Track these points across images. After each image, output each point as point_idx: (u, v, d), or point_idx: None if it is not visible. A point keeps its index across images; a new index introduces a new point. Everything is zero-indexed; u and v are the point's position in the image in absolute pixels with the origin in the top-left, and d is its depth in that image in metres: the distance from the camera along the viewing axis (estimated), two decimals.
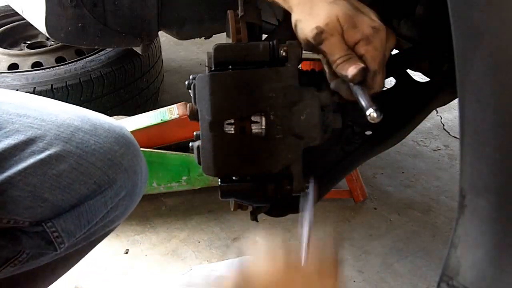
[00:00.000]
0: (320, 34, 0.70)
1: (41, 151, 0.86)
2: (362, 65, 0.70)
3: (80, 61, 2.11)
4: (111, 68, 2.11)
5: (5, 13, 2.51)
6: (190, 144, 0.80)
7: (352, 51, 0.71)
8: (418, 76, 0.90)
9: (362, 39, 0.71)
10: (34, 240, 0.87)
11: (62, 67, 2.07)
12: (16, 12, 1.92)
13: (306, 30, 0.72)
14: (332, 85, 0.75)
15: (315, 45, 0.71)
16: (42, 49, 2.28)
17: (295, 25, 0.74)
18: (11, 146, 0.85)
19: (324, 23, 0.70)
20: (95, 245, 1.06)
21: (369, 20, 0.72)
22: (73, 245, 0.94)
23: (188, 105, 0.77)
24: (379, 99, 0.79)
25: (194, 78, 0.75)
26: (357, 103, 0.69)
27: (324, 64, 0.75)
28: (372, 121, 0.67)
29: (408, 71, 0.91)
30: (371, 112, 0.66)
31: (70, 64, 2.09)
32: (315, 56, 0.74)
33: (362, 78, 0.70)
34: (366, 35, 0.71)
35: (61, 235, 0.89)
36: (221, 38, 1.04)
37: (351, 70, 0.70)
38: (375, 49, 0.72)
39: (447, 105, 0.89)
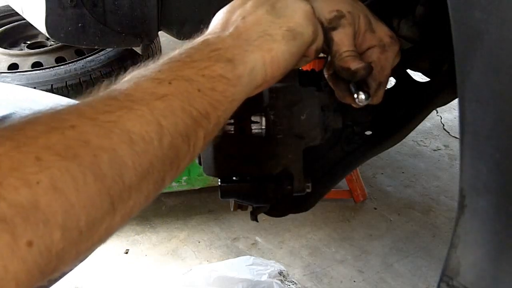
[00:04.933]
0: (339, 18, 0.66)
1: None
2: (364, 63, 0.68)
3: (80, 61, 2.11)
4: (111, 68, 2.11)
5: (5, 13, 2.51)
6: None
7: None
8: (418, 76, 0.90)
9: (377, 45, 0.69)
10: None
11: (62, 67, 2.07)
12: (16, 12, 1.92)
13: (324, 10, 0.67)
14: (337, 94, 0.74)
15: (327, 30, 0.67)
16: (42, 49, 2.28)
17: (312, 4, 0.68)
18: None
19: (347, 10, 0.67)
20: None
21: (387, 30, 0.70)
22: None
23: None
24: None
25: None
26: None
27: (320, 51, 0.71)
28: (360, 103, 0.67)
29: (408, 71, 0.91)
30: (359, 94, 0.66)
31: (70, 64, 2.09)
32: None
33: (365, 75, 0.68)
34: (384, 43, 0.69)
35: None
36: None
37: (356, 64, 0.67)
38: (387, 60, 0.70)
39: (447, 105, 0.89)
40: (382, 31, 0.70)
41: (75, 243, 0.39)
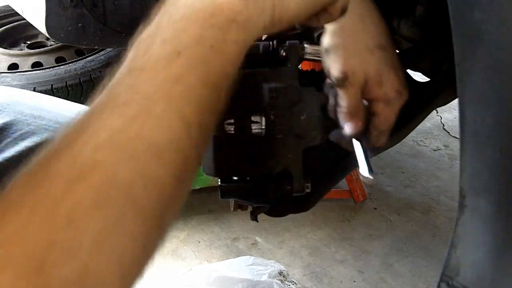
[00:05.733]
0: (344, 80, 0.69)
1: None
2: (361, 124, 0.70)
3: (80, 61, 2.11)
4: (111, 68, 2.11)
5: (5, 13, 2.51)
6: None
7: (363, 103, 0.71)
8: (418, 76, 0.90)
9: (383, 99, 0.71)
10: None
11: (62, 67, 2.07)
12: (16, 12, 1.92)
13: (333, 67, 0.71)
14: (333, 137, 0.76)
15: (334, 85, 0.71)
16: (42, 49, 2.28)
17: (326, 50, 0.72)
18: (28, 149, 0.84)
19: (352, 72, 0.69)
20: None
21: (396, 82, 0.71)
22: None
23: None
24: None
25: None
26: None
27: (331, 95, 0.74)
28: (365, 182, 0.69)
29: (408, 71, 0.91)
30: (364, 174, 0.67)
31: (70, 64, 2.09)
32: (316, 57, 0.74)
33: (357, 137, 0.71)
34: (388, 98, 0.70)
35: None
36: None
37: (350, 127, 0.70)
38: (391, 112, 0.72)
39: (447, 105, 0.89)
40: (389, 85, 0.71)
41: (135, 277, 0.37)
